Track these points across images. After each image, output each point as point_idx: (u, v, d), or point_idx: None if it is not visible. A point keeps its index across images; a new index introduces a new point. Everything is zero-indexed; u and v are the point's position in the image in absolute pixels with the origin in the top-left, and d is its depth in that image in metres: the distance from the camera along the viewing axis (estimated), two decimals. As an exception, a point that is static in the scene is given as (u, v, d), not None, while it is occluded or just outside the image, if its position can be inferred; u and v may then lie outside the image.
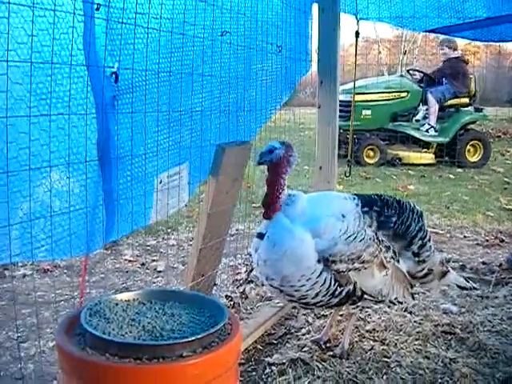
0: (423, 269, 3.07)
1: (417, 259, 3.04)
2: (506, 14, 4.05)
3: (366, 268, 2.80)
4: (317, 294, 2.71)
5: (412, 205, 3.07)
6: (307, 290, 2.70)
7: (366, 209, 2.91)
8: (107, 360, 1.64)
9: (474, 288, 3.35)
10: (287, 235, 2.68)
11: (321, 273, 2.67)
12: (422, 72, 12.11)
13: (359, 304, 2.95)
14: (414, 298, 3.13)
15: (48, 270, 4.50)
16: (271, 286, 2.79)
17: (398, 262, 2.99)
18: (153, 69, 2.53)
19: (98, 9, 2.22)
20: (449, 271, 3.20)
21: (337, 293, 2.75)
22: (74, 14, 2.09)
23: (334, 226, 2.74)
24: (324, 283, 2.69)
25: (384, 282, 2.89)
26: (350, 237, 2.74)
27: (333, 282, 2.71)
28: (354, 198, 2.93)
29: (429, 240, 3.06)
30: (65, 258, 4.34)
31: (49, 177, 2.13)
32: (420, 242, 3.02)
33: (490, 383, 2.82)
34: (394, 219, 2.95)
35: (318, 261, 2.67)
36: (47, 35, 2.01)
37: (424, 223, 3.06)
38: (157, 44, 2.51)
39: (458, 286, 3.29)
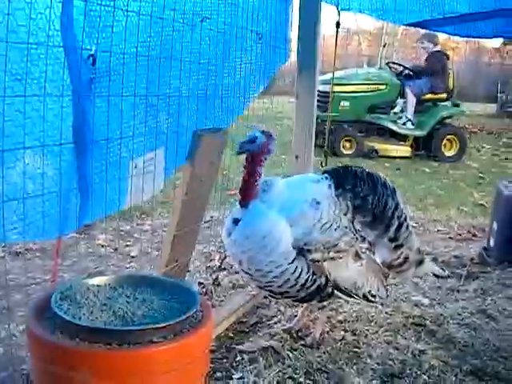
0: (400, 256, 3.05)
1: (394, 244, 3.02)
2: (486, 11, 4.07)
3: (341, 258, 2.80)
4: (285, 283, 2.71)
5: (383, 179, 3.04)
6: (274, 277, 2.69)
7: (339, 190, 2.89)
8: (77, 344, 1.64)
9: (449, 276, 3.37)
10: (262, 220, 2.68)
11: (293, 261, 2.67)
12: (401, 65, 12.15)
13: (325, 304, 2.97)
14: (387, 291, 3.11)
15: (20, 252, 4.45)
16: (242, 270, 2.80)
17: (374, 254, 2.99)
18: (131, 52, 2.50)
19: (76, -11, 2.19)
20: (424, 259, 3.20)
21: (307, 285, 2.74)
22: (53, -6, 2.06)
23: (308, 214, 2.73)
24: (294, 272, 2.68)
25: (358, 273, 2.90)
26: (325, 224, 2.74)
27: (304, 273, 2.71)
28: (327, 178, 2.92)
29: (405, 219, 3.04)
30: (37, 241, 4.30)
31: (22, 158, 2.10)
32: (397, 222, 3.00)
33: (457, 375, 2.86)
34: (370, 199, 2.93)
35: (293, 248, 2.67)
36: (24, 15, 1.98)
37: (399, 201, 3.03)
38: (135, 27, 2.49)
39: (434, 275, 3.32)
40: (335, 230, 2.77)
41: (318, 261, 2.73)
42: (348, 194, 2.91)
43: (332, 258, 2.77)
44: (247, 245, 2.69)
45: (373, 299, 3.03)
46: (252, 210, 2.73)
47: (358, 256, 2.89)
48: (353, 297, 2.97)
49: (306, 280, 2.73)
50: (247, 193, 2.76)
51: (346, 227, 2.83)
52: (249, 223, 2.70)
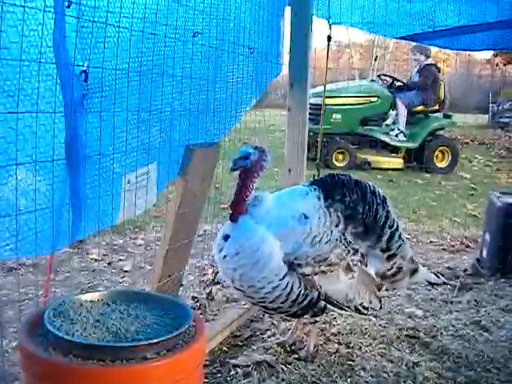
0: (393, 266, 3.05)
1: (386, 254, 3.02)
2: (475, 24, 4.10)
3: (332, 271, 2.79)
4: (277, 298, 2.71)
5: (372, 187, 3.03)
6: (266, 293, 2.70)
7: (329, 201, 2.88)
8: (70, 361, 1.64)
9: (445, 283, 3.37)
10: (251, 236, 2.69)
11: (284, 276, 2.67)
12: (392, 77, 12.21)
13: (318, 319, 2.96)
14: (381, 302, 3.09)
15: (13, 268, 4.44)
16: (235, 288, 2.80)
17: (366, 265, 2.98)
18: (123, 68, 2.51)
19: (68, 6, 2.20)
20: (419, 268, 3.19)
21: (299, 300, 2.74)
22: (45, 10, 2.06)
23: (296, 229, 2.73)
24: (285, 287, 2.68)
25: (350, 285, 2.89)
26: (314, 238, 2.74)
27: (295, 288, 2.71)
28: (315, 189, 2.91)
29: (397, 229, 3.03)
30: (30, 257, 4.29)
31: (15, 175, 2.10)
32: (389, 232, 2.99)
33: (452, 387, 2.86)
34: (360, 209, 2.93)
35: (284, 263, 2.67)
36: (16, 32, 1.99)
37: (390, 210, 3.02)
38: (127, 43, 2.50)
39: (429, 283, 3.33)
40: (326, 243, 2.76)
41: (308, 275, 2.73)
42: (338, 205, 2.90)
43: (323, 272, 2.76)
44: (238, 261, 2.69)
45: (365, 311, 3.02)
46: (241, 225, 2.75)
47: (349, 269, 2.87)
48: (344, 309, 2.96)
49: (298, 295, 2.72)
50: (237, 208, 2.78)
51: (337, 240, 2.82)
52: (238, 239, 2.71)
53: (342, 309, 2.94)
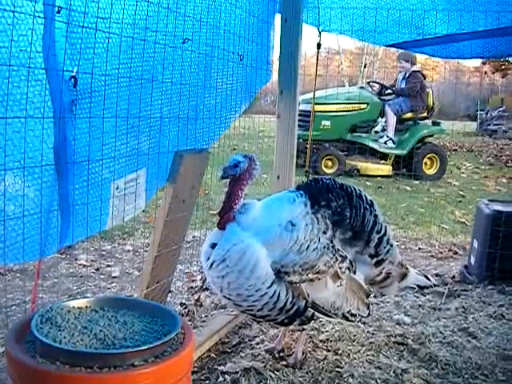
0: (382, 271, 3.04)
1: (375, 260, 3.01)
2: (464, 32, 4.13)
3: (319, 279, 2.78)
4: (264, 306, 2.71)
5: (358, 190, 3.02)
6: (254, 301, 2.69)
7: (315, 207, 2.86)
8: (58, 368, 1.63)
9: (436, 285, 3.35)
10: (237, 243, 2.69)
11: (271, 284, 2.67)
12: (381, 84, 12.27)
13: (306, 327, 2.95)
14: (369, 308, 3.08)
15: (0, 273, 4.42)
16: (223, 296, 2.80)
17: (355, 273, 2.97)
18: (113, 74, 2.51)
19: (58, 11, 2.20)
20: (408, 272, 3.17)
21: (286, 308, 2.73)
22: (34, 16, 2.06)
23: (283, 237, 2.72)
24: (273, 295, 2.68)
25: (337, 293, 2.88)
26: (301, 246, 2.73)
27: (283, 296, 2.70)
28: (302, 195, 2.89)
29: (385, 234, 3.01)
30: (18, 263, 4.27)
31: (3, 181, 2.09)
32: (377, 237, 2.98)
33: (439, 394, 2.87)
34: (347, 213, 2.90)
35: (272, 270, 2.67)
36: (5, 36, 1.98)
37: (378, 214, 3.01)
38: (117, 49, 2.50)
39: (419, 287, 3.29)
40: (313, 250, 2.75)
41: (296, 283, 2.72)
42: (325, 211, 2.88)
43: (311, 280, 2.76)
44: (224, 268, 2.69)
45: (353, 319, 3.01)
46: (228, 233, 2.76)
47: (337, 276, 2.85)
48: (332, 317, 2.95)
49: (285, 303, 2.72)
50: (224, 215, 2.80)
51: (325, 247, 2.80)
52: (224, 246, 2.72)
53: (329, 316, 2.93)
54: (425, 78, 11.57)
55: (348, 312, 2.96)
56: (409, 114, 11.34)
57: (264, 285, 2.66)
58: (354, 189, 3.01)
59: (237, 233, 2.73)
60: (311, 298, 2.79)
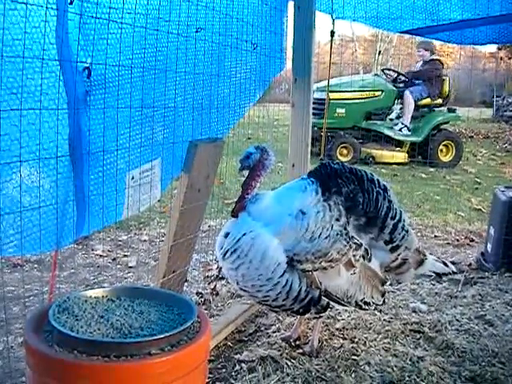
0: (398, 257, 3.00)
1: (390, 246, 2.97)
2: (479, 18, 4.09)
3: (332, 267, 2.77)
4: (278, 296, 2.72)
5: (370, 174, 2.97)
6: (268, 291, 2.71)
7: (327, 194, 2.84)
8: (75, 358, 1.64)
9: (454, 272, 3.31)
10: (247, 234, 2.72)
11: (283, 273, 2.68)
12: (396, 71, 12.20)
13: (322, 315, 2.95)
14: (383, 296, 3.05)
15: (18, 264, 4.45)
16: (240, 288, 2.83)
17: (370, 260, 2.94)
18: (126, 64, 2.51)
19: (71, 3, 2.20)
20: (426, 259, 3.13)
21: (300, 298, 2.74)
22: (47, 7, 2.07)
23: (294, 226, 2.73)
24: (285, 285, 2.69)
25: (351, 281, 2.86)
26: (313, 234, 2.72)
27: (296, 286, 2.71)
28: (313, 182, 2.88)
29: (399, 220, 2.97)
30: (35, 253, 4.31)
31: (19, 172, 2.11)
32: (391, 223, 2.94)
33: (456, 381, 2.86)
34: (360, 199, 2.88)
35: (283, 260, 2.68)
36: (19, 29, 1.99)
37: (392, 200, 2.97)
38: (130, 39, 2.50)
39: (437, 274, 3.24)
40: (325, 238, 2.74)
41: (309, 271, 2.72)
42: (337, 197, 2.86)
43: (324, 268, 2.75)
44: (237, 260, 2.72)
45: (366, 307, 3.00)
46: (239, 222, 2.80)
47: (351, 264, 2.83)
48: (345, 305, 2.94)
49: (299, 292, 2.72)
50: (238, 204, 2.85)
51: (338, 234, 2.78)
52: (235, 235, 2.75)
53: (342, 305, 2.92)
54: (443, 66, 11.49)
55: (361, 300, 2.94)
56: (425, 101, 11.27)
57: (274, 274, 2.67)
58: (365, 173, 2.97)
59: (247, 222, 2.77)
60: (324, 287, 2.78)
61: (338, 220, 2.82)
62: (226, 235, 2.81)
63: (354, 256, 2.83)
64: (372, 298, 2.98)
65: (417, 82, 11.27)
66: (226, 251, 2.76)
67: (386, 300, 3.19)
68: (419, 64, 11.60)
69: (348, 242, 2.81)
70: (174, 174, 3.10)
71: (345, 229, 2.84)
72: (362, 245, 2.89)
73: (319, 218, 2.77)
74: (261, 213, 2.79)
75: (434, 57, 11.40)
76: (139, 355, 1.66)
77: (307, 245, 2.71)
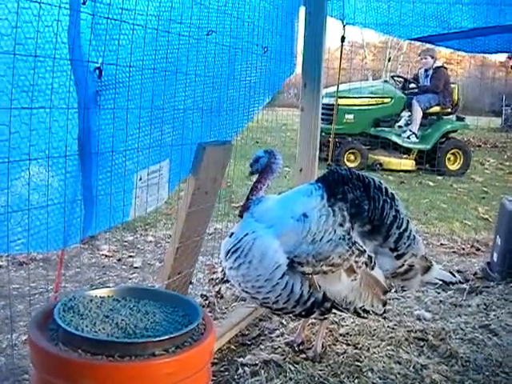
0: (404, 263, 2.99)
1: (395, 254, 2.96)
2: (490, 26, 4.09)
3: (333, 271, 2.76)
4: (278, 298, 2.73)
5: (378, 182, 2.97)
6: (267, 293, 2.73)
7: (332, 200, 2.86)
8: (79, 356, 1.65)
9: (460, 282, 3.30)
10: (249, 234, 2.76)
11: (283, 275, 2.69)
12: (405, 79, 12.19)
13: (327, 316, 2.94)
14: (385, 306, 3.03)
15: (24, 262, 4.46)
16: (242, 290, 2.86)
17: (373, 268, 2.92)
18: (137, 65, 2.52)
19: (84, 3, 2.21)
20: (432, 266, 3.12)
21: (303, 300, 2.74)
22: (60, 7, 2.07)
23: (295, 229, 2.74)
24: (285, 287, 2.69)
25: (351, 287, 2.84)
26: (314, 237, 2.73)
27: (297, 288, 2.71)
28: (320, 187, 2.89)
29: (405, 229, 2.95)
30: (41, 252, 4.32)
31: (28, 170, 2.12)
32: (397, 233, 2.93)
33: (459, 390, 2.86)
34: (365, 206, 2.88)
35: (285, 261, 2.69)
36: (31, 27, 2.00)
37: (399, 209, 2.95)
38: (142, 41, 2.50)
39: (443, 282, 3.22)
40: (327, 241, 2.74)
41: (308, 274, 2.72)
42: (342, 203, 2.87)
43: (324, 272, 2.74)
44: (237, 260, 2.75)
45: (365, 315, 2.98)
46: (242, 223, 2.86)
47: (352, 270, 2.81)
48: (342, 311, 2.93)
49: (301, 295, 2.72)
50: (243, 205, 2.93)
51: (340, 238, 2.77)
52: (237, 235, 2.80)
53: (340, 310, 2.91)
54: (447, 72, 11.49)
55: (361, 308, 2.92)
56: (435, 109, 11.25)
57: (273, 275, 2.69)
58: (373, 180, 2.97)
59: (250, 223, 2.81)
60: (323, 290, 2.77)
61: (341, 225, 2.83)
62: (231, 235, 2.85)
63: (356, 262, 2.82)
64: (372, 306, 2.95)
65: (426, 90, 11.25)
66: (228, 251, 2.80)
67: (389, 308, 3.16)
68: (422, 71, 11.59)
69: (350, 248, 2.80)
70: (181, 175, 3.11)
71: (348, 234, 2.83)
72: (365, 251, 2.88)
73: (322, 221, 2.78)
74: (263, 214, 2.83)
75: (438, 64, 11.38)
76: (143, 356, 1.66)
77: (308, 247, 2.71)
